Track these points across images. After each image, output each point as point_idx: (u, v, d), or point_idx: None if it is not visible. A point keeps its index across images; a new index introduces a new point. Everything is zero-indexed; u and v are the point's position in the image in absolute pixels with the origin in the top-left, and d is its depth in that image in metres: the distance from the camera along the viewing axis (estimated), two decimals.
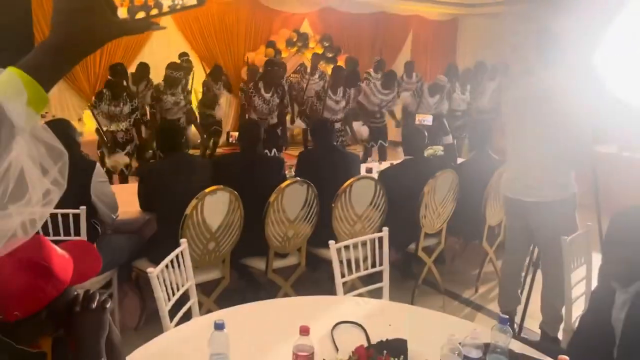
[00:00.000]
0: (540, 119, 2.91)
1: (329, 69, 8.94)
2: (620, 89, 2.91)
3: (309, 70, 8.63)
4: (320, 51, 10.15)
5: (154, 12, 0.69)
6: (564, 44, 2.93)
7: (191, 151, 6.50)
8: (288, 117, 7.58)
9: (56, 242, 1.45)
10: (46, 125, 0.66)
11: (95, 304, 1.34)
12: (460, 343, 1.51)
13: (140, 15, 0.69)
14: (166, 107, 5.90)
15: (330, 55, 10.14)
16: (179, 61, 7.40)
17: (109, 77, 6.07)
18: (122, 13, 0.69)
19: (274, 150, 5.85)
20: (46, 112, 7.64)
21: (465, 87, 7.22)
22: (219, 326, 1.49)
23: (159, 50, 8.55)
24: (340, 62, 9.93)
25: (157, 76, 7.01)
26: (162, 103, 5.89)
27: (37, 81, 0.65)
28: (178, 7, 0.70)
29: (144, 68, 7.08)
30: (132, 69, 7.41)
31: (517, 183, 3.11)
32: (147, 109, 6.29)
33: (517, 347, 1.73)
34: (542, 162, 2.98)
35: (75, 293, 1.35)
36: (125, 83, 5.97)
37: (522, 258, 3.37)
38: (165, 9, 0.70)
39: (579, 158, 3.02)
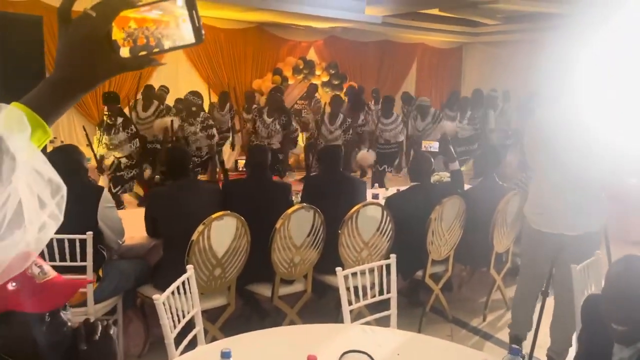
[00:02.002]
0: (574, 149, 2.83)
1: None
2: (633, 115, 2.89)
3: (326, 120, 8.67)
4: (326, 78, 10.28)
5: (155, 50, 0.72)
6: (584, 72, 2.93)
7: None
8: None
9: (62, 268, 1.43)
10: (46, 159, 0.67)
11: (99, 334, 1.31)
12: None
13: (142, 53, 0.72)
14: (187, 135, 5.83)
15: (337, 82, 10.25)
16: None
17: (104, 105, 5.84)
18: (124, 53, 0.71)
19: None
20: (55, 138, 7.74)
21: (464, 115, 7.34)
22: (225, 355, 1.47)
23: (167, 77, 8.67)
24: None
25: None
26: (184, 132, 5.83)
27: (41, 116, 0.68)
28: (179, 45, 0.72)
29: (149, 91, 6.83)
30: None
31: (551, 217, 3.01)
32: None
33: None
34: (583, 194, 2.90)
35: (72, 326, 1.31)
36: (119, 109, 5.76)
37: (539, 286, 3.33)
38: (165, 47, 0.72)
39: (609, 185, 2.97)
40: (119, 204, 5.69)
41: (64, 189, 0.69)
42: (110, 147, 5.48)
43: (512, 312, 3.52)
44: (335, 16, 8.50)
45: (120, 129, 5.44)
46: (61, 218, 0.70)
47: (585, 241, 2.90)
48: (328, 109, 6.74)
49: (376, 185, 5.43)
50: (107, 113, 5.57)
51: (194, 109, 5.89)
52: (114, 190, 5.59)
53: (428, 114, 6.84)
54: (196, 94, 6.13)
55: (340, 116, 6.32)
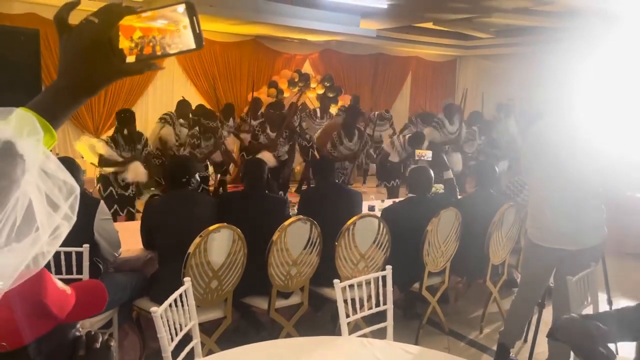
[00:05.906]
0: (574, 163, 2.82)
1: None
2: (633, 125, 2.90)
3: (318, 113, 8.64)
4: (321, 91, 10.32)
5: (158, 54, 0.75)
6: (580, 84, 2.94)
7: None
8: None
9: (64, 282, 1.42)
10: (59, 162, 0.68)
11: (99, 344, 1.31)
12: None
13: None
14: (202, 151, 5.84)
15: (332, 96, 10.30)
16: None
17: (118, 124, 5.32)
18: (130, 60, 0.74)
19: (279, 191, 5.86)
20: (50, 150, 7.72)
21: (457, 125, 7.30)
22: None
23: (163, 90, 8.70)
24: (342, 102, 10.10)
25: (159, 114, 7.04)
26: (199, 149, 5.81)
27: (47, 120, 0.69)
28: (180, 51, 0.76)
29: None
30: (136, 107, 7.46)
31: (551, 232, 2.99)
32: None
33: None
34: (583, 208, 2.89)
35: (78, 334, 1.31)
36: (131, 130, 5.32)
37: (537, 298, 3.34)
38: (170, 52, 0.76)
39: (613, 197, 2.95)
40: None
41: (77, 190, 0.70)
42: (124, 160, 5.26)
43: (506, 321, 3.54)
44: (331, 30, 8.57)
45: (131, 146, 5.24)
46: (74, 218, 0.70)
47: (585, 255, 2.89)
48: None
49: (372, 197, 5.43)
50: (119, 133, 5.23)
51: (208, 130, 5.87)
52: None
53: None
54: (210, 117, 5.99)
55: (356, 133, 6.14)
